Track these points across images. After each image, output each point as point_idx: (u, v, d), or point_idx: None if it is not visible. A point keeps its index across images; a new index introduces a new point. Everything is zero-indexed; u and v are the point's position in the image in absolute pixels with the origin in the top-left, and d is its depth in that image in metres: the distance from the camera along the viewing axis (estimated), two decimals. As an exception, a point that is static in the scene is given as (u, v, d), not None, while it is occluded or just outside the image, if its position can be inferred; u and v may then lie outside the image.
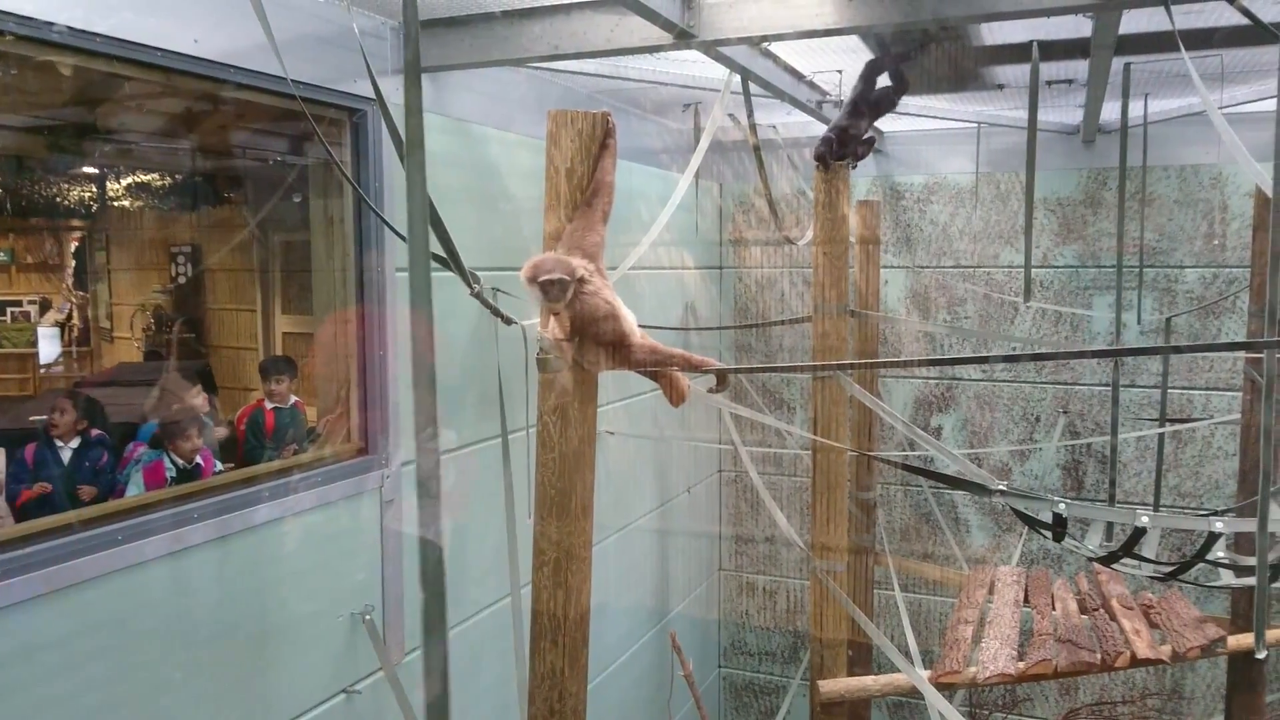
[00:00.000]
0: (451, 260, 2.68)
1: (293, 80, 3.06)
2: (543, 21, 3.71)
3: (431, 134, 4.09)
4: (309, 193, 4.05)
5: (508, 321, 3.20)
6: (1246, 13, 2.64)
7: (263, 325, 5.50)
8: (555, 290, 2.41)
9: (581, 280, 2.44)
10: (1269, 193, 2.43)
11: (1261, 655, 2.02)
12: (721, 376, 2.88)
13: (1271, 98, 4.81)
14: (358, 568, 3.71)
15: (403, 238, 2.87)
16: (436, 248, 2.67)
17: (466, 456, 4.26)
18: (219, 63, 3.07)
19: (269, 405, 4.16)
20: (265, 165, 4.93)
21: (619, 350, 2.57)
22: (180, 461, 3.49)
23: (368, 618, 3.66)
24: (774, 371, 7.36)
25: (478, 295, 2.84)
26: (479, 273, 2.97)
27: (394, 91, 3.89)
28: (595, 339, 2.53)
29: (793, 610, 7.42)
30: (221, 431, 4.01)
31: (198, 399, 3.96)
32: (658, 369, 2.67)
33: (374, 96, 2.47)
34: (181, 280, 6.29)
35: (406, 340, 3.87)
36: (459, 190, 4.22)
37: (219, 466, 3.66)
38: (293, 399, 4.19)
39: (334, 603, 3.59)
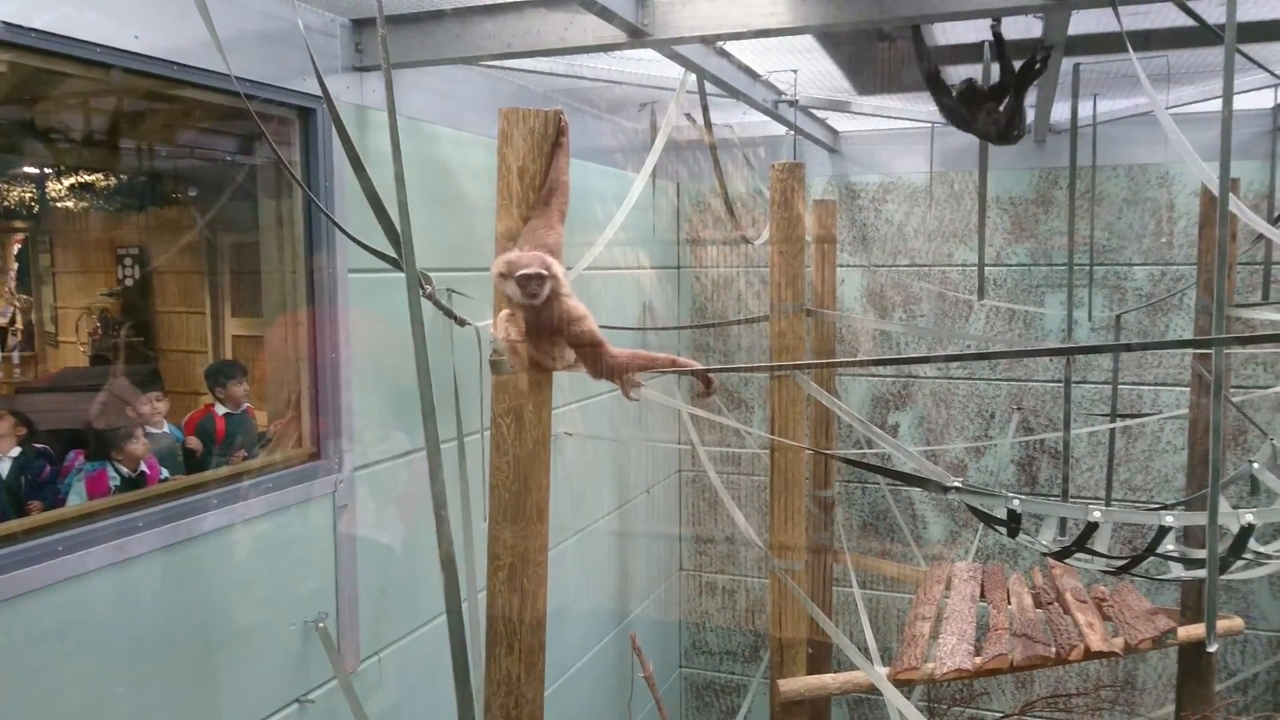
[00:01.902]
0: (402, 261, 2.63)
1: (239, 78, 3.00)
2: (495, 20, 3.67)
3: (383, 133, 4.02)
4: (259, 193, 3.97)
5: (460, 323, 3.16)
6: (1191, 13, 2.68)
7: (212, 328, 5.39)
8: (534, 285, 2.34)
9: (557, 279, 2.40)
10: (1215, 192, 2.46)
11: (1213, 648, 2.04)
12: (707, 380, 2.82)
13: (1216, 98, 4.90)
14: (310, 574, 3.65)
15: (353, 239, 2.82)
16: (387, 248, 2.63)
17: (422, 459, 4.20)
18: (162, 60, 3.00)
19: (219, 410, 4.07)
20: (214, 165, 4.83)
21: (593, 353, 2.53)
22: (125, 470, 3.40)
23: (321, 625, 3.60)
24: (745, 371, 7.37)
25: (429, 297, 2.80)
26: (433, 274, 2.93)
27: (344, 90, 3.83)
28: (571, 341, 2.49)
29: (753, 609, 7.44)
30: (169, 438, 3.91)
31: (145, 405, 3.86)
32: (638, 372, 2.62)
33: (321, 94, 2.42)
34: (129, 282, 6.15)
35: (358, 343, 3.81)
36: (411, 190, 4.14)
37: (165, 474, 3.57)
38: (244, 404, 4.11)
39: (286, 610, 3.52)
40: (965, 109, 4.14)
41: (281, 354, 3.80)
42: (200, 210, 5.26)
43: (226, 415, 4.04)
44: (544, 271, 2.32)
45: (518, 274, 2.33)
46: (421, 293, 2.81)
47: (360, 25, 3.84)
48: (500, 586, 2.49)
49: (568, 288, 2.43)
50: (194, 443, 3.96)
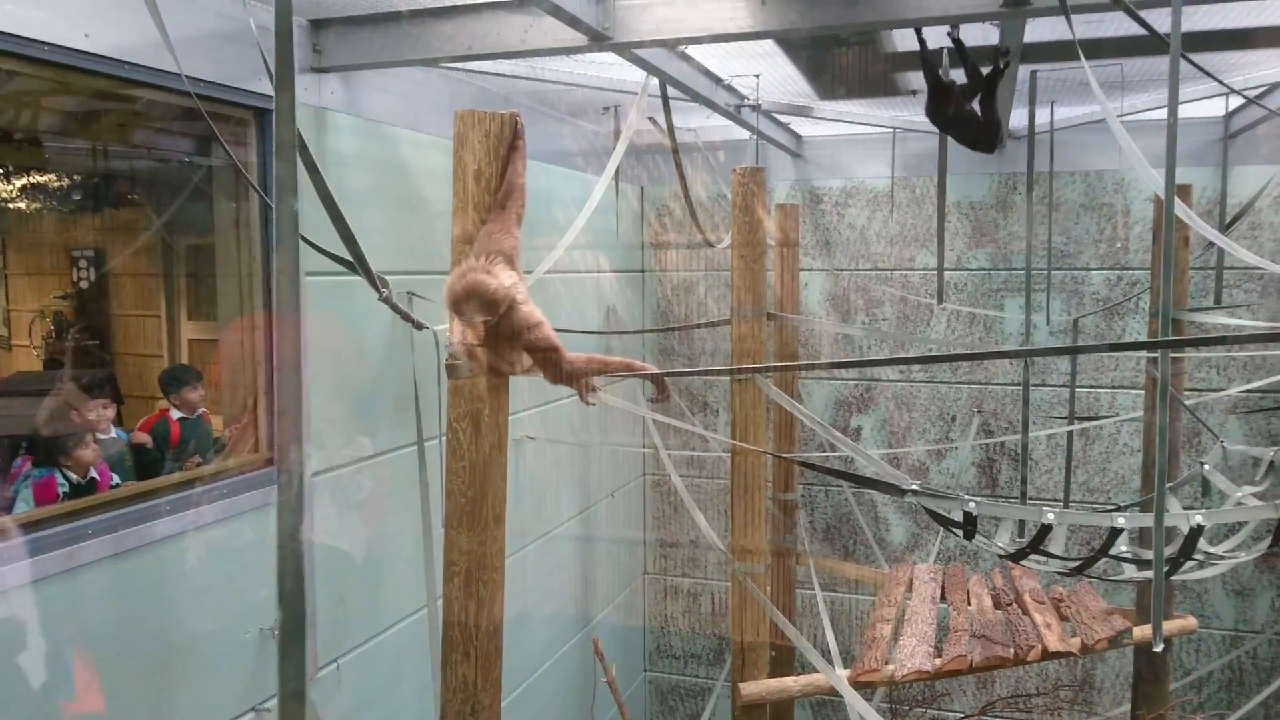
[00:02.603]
0: (358, 264, 2.61)
1: (191, 78, 2.95)
2: (454, 21, 3.65)
3: (342, 135, 3.99)
4: (216, 194, 3.92)
5: (418, 326, 3.13)
6: (1141, 22, 2.72)
7: (168, 332, 5.30)
8: (485, 315, 2.35)
9: (508, 292, 2.39)
10: (1162, 196, 2.50)
11: (1159, 648, 2.07)
12: (662, 386, 2.83)
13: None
14: (266, 581, 3.59)
15: (310, 243, 2.79)
16: (344, 251, 2.60)
17: (382, 464, 4.16)
18: (113, 59, 2.95)
19: (174, 415, 4.00)
20: (171, 166, 4.75)
21: (549, 358, 2.52)
22: (74, 477, 3.33)
23: (276, 633, 3.54)
24: (708, 375, 7.38)
25: (386, 300, 2.78)
26: (391, 276, 2.90)
27: (301, 91, 3.79)
28: (527, 347, 2.48)
29: (717, 612, 7.45)
30: (119, 444, 3.84)
31: (92, 411, 3.78)
32: (595, 376, 2.62)
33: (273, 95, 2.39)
34: (84, 285, 6.03)
35: (317, 346, 3.77)
36: (370, 192, 4.13)
37: (116, 480, 3.50)
38: (199, 409, 4.04)
39: (241, 618, 3.47)
40: (961, 110, 4.11)
41: (238, 358, 3.75)
42: (157, 212, 5.18)
43: (181, 420, 3.97)
44: (492, 314, 2.33)
45: (466, 307, 2.33)
46: (379, 296, 2.79)
47: (318, 26, 3.80)
48: (456, 592, 2.46)
49: (524, 294, 2.42)
50: (141, 437, 3.88)
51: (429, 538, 3.86)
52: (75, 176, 5.85)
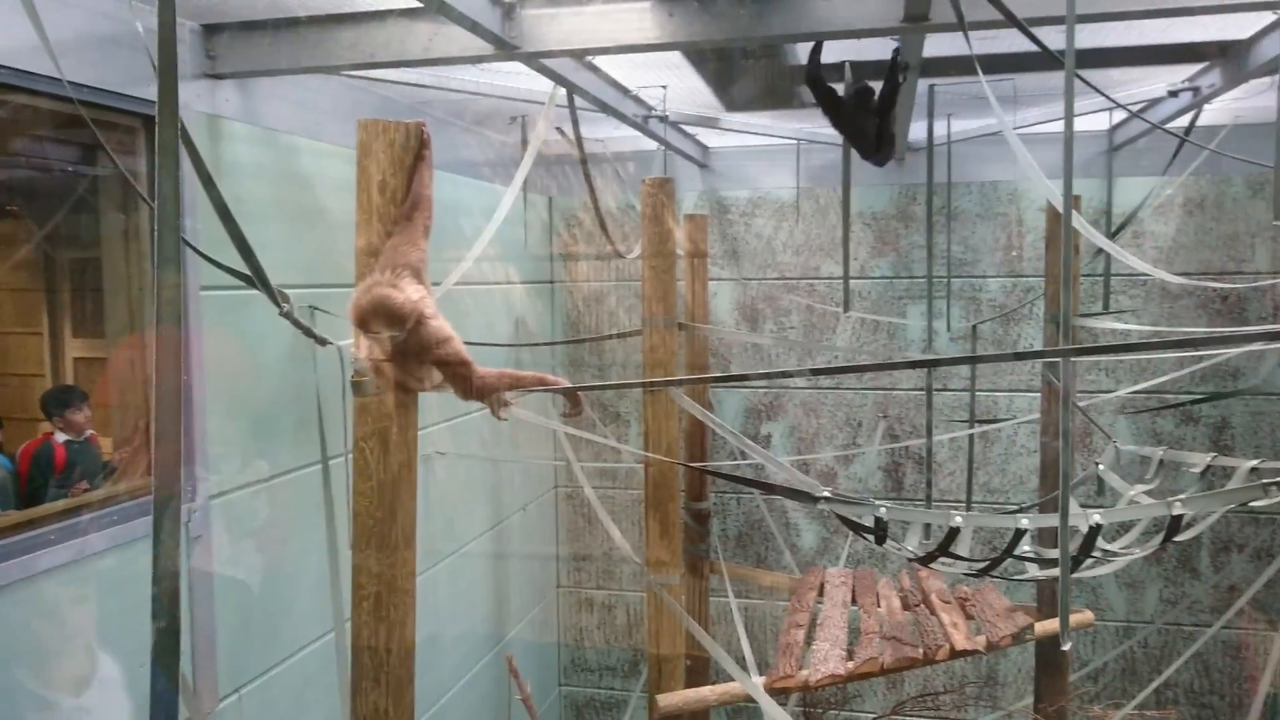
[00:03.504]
0: (256, 278, 2.51)
1: (72, 83, 2.81)
2: (356, 29, 3.56)
3: (238, 144, 3.85)
4: (102, 205, 3.73)
5: (321, 342, 3.03)
6: (1034, 39, 2.81)
7: (51, 350, 5.03)
8: (393, 331, 2.29)
9: (416, 306, 2.33)
10: (1059, 209, 2.59)
11: (1066, 646, 2.12)
12: (575, 400, 2.80)
13: (1060, 119, 5.18)
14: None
15: (205, 256, 2.68)
16: (242, 265, 2.50)
17: (283, 485, 4.02)
18: (-14, 62, 2.78)
19: (58, 439, 3.79)
20: (53, 175, 4.52)
21: (459, 374, 2.46)
22: (-54, 506, 3.12)
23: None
24: (622, 388, 7.35)
25: (287, 315, 2.68)
26: (293, 290, 2.80)
27: (194, 98, 3.64)
28: (437, 363, 2.42)
29: (632, 623, 7.42)
30: (2, 471, 3.62)
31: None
32: (506, 391, 2.57)
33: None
34: (-43, 302, 5.68)
35: (212, 365, 3.62)
36: (269, 203, 4.00)
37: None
38: (86, 431, 3.84)
39: (135, 651, 3.29)
40: (855, 113, 4.17)
41: (127, 377, 3.57)
42: (38, 223, 4.92)
43: (67, 444, 3.77)
44: (398, 332, 2.27)
45: (371, 329, 2.28)
46: (279, 311, 2.69)
47: (211, 31, 3.66)
48: (366, 617, 2.38)
49: (432, 308, 2.36)
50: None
51: (335, 560, 3.74)
52: (-54, 186, 5.51)
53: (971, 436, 6.23)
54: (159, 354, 1.39)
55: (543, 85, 4.41)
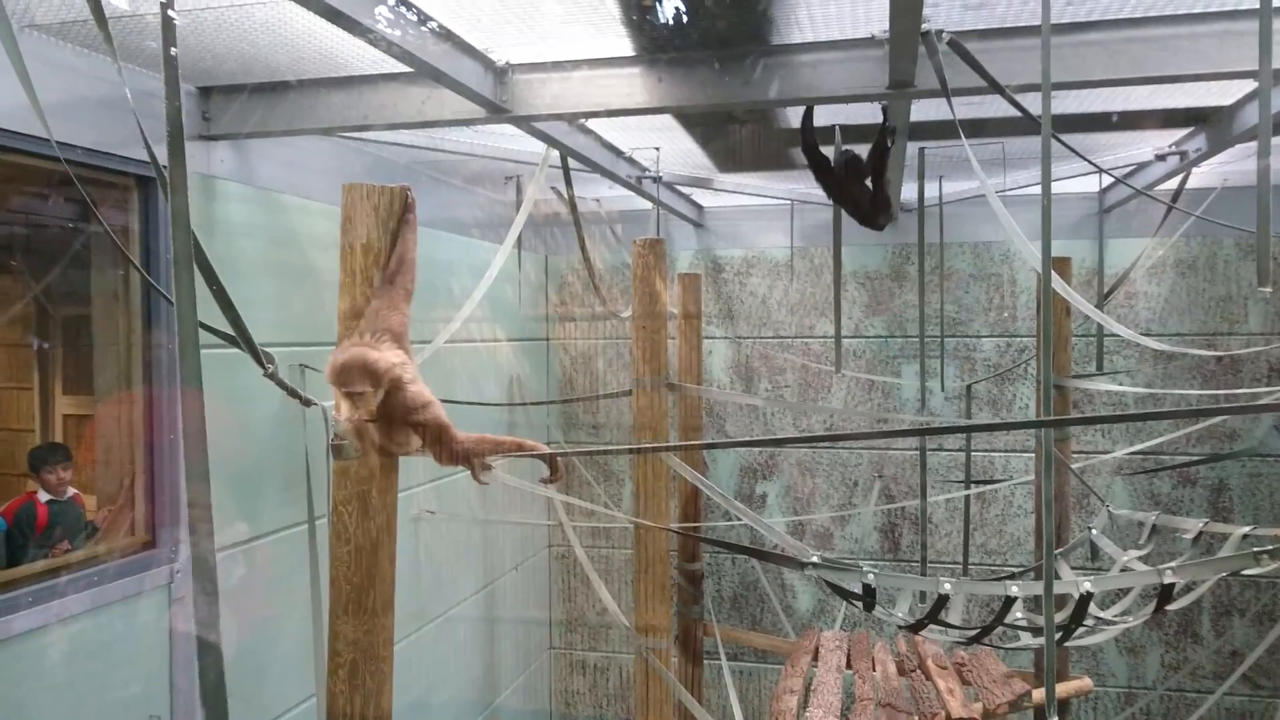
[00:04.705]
0: (240, 338, 2.50)
1: (63, 144, 2.83)
2: (350, 91, 3.61)
3: (231, 203, 3.88)
4: (95, 263, 3.74)
5: (306, 403, 3.02)
6: (1016, 104, 2.84)
7: (41, 406, 5.02)
8: (361, 399, 2.28)
9: (394, 369, 2.32)
10: (1040, 272, 2.59)
11: (1053, 719, 2.08)
12: (554, 466, 2.78)
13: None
14: (140, 674, 3.36)
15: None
16: (227, 325, 2.49)
17: (267, 546, 3.97)
18: (-20, 124, 2.81)
19: (42, 498, 3.76)
20: (48, 232, 4.56)
21: (438, 439, 2.45)
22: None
23: (153, 730, 3.32)
24: (604, 453, 7.31)
25: (271, 376, 2.66)
26: (280, 350, 2.79)
27: (189, 159, 3.66)
28: (414, 428, 2.41)
29: (625, 686, 7.29)
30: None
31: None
32: (486, 455, 2.55)
33: (149, 161, 2.29)
34: (-49, 356, 5.68)
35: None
36: (260, 263, 4.01)
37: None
38: (70, 490, 3.81)
39: (115, 715, 3.22)
40: (845, 182, 4.17)
41: (114, 434, 3.55)
42: (33, 280, 4.94)
43: (50, 503, 3.73)
44: (369, 388, 2.26)
45: (344, 389, 2.28)
46: (264, 372, 2.67)
47: (207, 93, 3.71)
48: (341, 686, 2.33)
49: (412, 373, 2.35)
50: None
51: (319, 622, 3.67)
52: (-58, 243, 5.54)
53: (967, 498, 6.18)
54: (185, 420, 1.36)
55: (537, 145, 4.45)
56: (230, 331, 2.45)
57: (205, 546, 1.33)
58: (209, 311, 2.51)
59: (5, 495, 4.14)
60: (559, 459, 2.70)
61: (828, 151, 4.39)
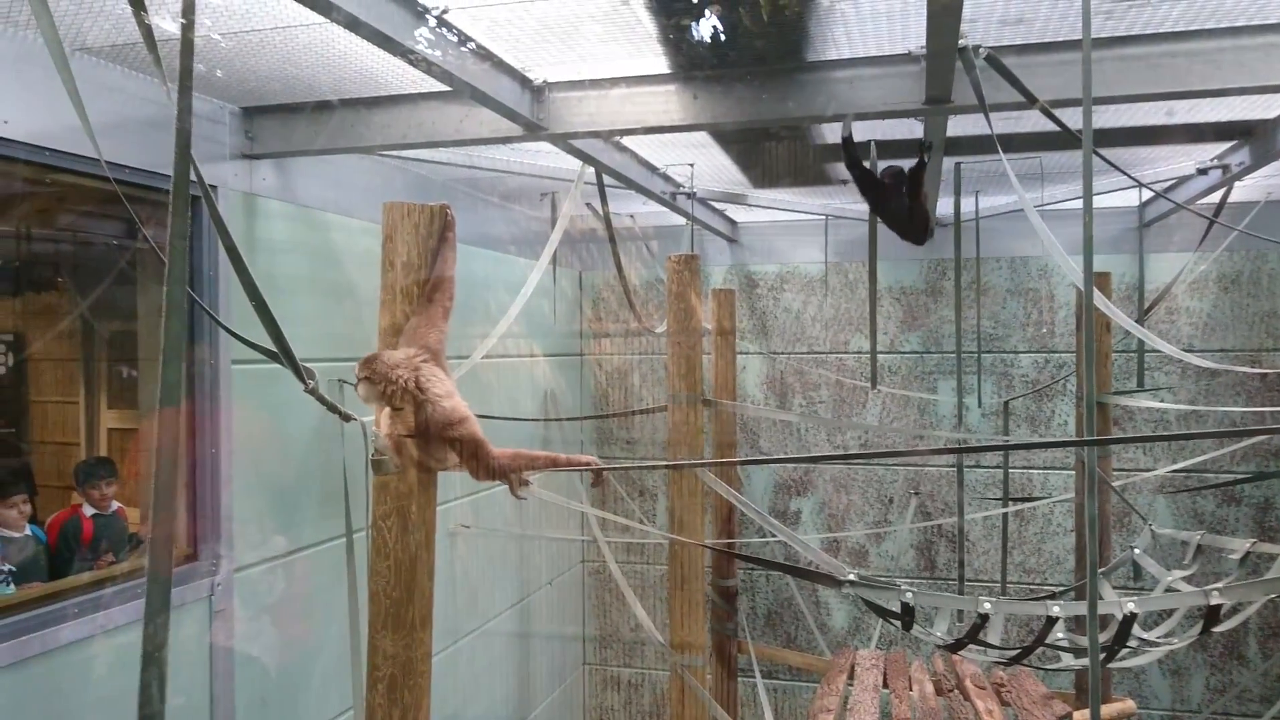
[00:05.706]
0: (281, 353, 2.54)
1: (111, 164, 2.90)
2: (389, 111, 3.66)
3: (273, 220, 3.94)
4: (140, 279, 3.82)
5: (345, 418, 3.05)
6: (1055, 119, 2.82)
7: (87, 420, 5.12)
8: (384, 390, 2.34)
9: (419, 372, 2.35)
10: (1080, 287, 2.56)
11: (1097, 745, 2.04)
12: (596, 471, 2.80)
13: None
14: (182, 686, 3.41)
15: (231, 332, 2.72)
16: (268, 341, 2.53)
17: (307, 559, 4.01)
18: (34, 145, 2.89)
19: (87, 511, 3.82)
20: (96, 250, 4.66)
21: (474, 455, 2.46)
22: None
23: (189, 743, 3.35)
24: (634, 469, 7.31)
25: (312, 391, 2.70)
26: (320, 365, 2.82)
27: (232, 177, 3.75)
28: (451, 444, 2.43)
29: (660, 703, 7.26)
30: (31, 542, 3.64)
31: (12, 509, 3.58)
32: (522, 471, 2.57)
33: (197, 180, 2.34)
34: (1, 370, 5.82)
35: (240, 438, 3.65)
36: (303, 279, 4.07)
37: (10, 589, 3.29)
38: (114, 504, 3.87)
39: (152, 728, 3.27)
40: (890, 195, 4.16)
41: (158, 449, 3.61)
42: (80, 296, 5.05)
43: (94, 516, 3.80)
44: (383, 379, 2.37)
45: (365, 379, 2.33)
46: (304, 387, 2.71)
47: (250, 113, 3.78)
48: (380, 700, 2.35)
49: (447, 387, 2.37)
50: (28, 546, 3.66)
51: (356, 635, 3.70)
52: (-6, 260, 5.68)
53: (1005, 515, 6.11)
54: (161, 438, 1.40)
55: (572, 163, 4.49)
56: (272, 347, 2.50)
57: (164, 565, 1.36)
58: (251, 327, 2.56)
59: (52, 507, 4.22)
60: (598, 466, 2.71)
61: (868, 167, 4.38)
